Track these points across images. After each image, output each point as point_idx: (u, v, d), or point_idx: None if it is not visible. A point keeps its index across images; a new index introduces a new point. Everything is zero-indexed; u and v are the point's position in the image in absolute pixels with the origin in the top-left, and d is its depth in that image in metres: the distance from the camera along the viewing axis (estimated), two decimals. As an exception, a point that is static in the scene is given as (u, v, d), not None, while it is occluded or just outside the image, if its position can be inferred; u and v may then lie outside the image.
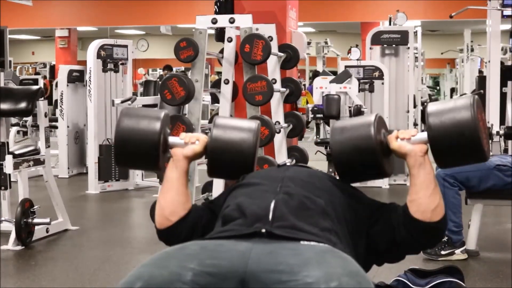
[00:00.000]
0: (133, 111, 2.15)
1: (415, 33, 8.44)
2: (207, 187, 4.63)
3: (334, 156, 2.05)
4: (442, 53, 16.95)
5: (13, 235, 4.45)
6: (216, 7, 4.86)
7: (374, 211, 2.03)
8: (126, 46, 7.45)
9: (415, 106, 7.89)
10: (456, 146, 1.91)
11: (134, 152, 2.08)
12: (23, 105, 4.64)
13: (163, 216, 2.07)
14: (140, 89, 12.70)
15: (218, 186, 4.38)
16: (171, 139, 2.13)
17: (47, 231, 4.76)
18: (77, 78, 8.19)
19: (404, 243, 1.98)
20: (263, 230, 1.78)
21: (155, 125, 2.06)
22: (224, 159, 2.10)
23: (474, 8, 5.81)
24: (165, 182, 2.10)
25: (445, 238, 4.17)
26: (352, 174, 2.09)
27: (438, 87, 25.17)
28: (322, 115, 7.31)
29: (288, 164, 2.20)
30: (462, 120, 1.90)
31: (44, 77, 15.55)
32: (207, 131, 4.68)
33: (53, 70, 15.72)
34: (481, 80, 8.03)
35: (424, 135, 1.97)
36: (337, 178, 2.14)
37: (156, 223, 2.10)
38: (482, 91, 7.97)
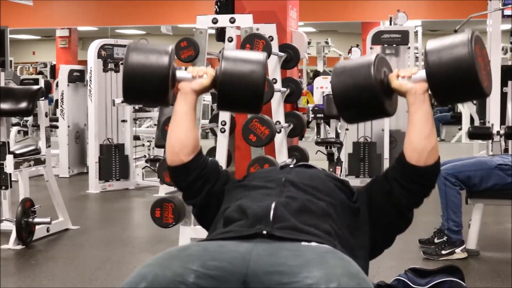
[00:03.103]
0: (141, 45, 2.13)
1: (416, 33, 8.45)
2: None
3: (334, 95, 2.05)
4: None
5: (13, 235, 4.45)
6: (216, 7, 4.86)
7: (369, 189, 2.05)
8: (126, 46, 7.44)
9: (415, 106, 7.87)
10: (453, 81, 1.92)
11: (143, 86, 2.06)
12: (23, 105, 4.64)
13: (173, 153, 2.08)
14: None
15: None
16: (179, 73, 2.12)
17: (47, 231, 4.77)
18: (77, 78, 8.19)
19: (401, 200, 1.99)
20: (264, 232, 1.78)
21: (163, 59, 2.05)
22: (233, 91, 2.08)
23: (476, 15, 5.81)
24: (174, 117, 2.09)
25: (445, 238, 4.18)
26: (353, 112, 2.09)
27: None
28: (322, 115, 7.32)
29: (291, 166, 2.20)
30: (459, 55, 1.90)
31: (45, 77, 15.57)
32: (207, 131, 4.69)
33: (53, 70, 15.72)
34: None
35: (424, 72, 1.98)
36: (340, 178, 2.14)
37: (167, 160, 2.10)
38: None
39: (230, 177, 2.16)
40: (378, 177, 2.07)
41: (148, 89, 2.06)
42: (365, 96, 2.00)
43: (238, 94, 2.08)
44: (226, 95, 2.09)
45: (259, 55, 2.12)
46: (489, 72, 1.98)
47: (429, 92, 1.99)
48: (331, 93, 2.08)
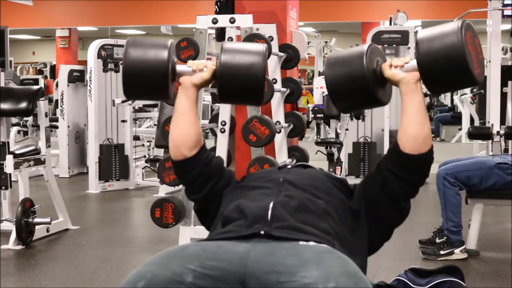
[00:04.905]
0: (139, 41, 2.12)
1: (416, 33, 8.43)
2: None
3: (329, 87, 2.06)
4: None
5: (13, 235, 4.45)
6: (216, 7, 4.86)
7: (364, 185, 2.06)
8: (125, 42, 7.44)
9: (415, 106, 7.87)
10: (443, 69, 1.92)
11: (143, 82, 2.06)
12: (23, 105, 4.65)
13: (175, 147, 2.09)
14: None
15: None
16: (179, 67, 2.12)
17: (47, 231, 4.77)
18: (77, 78, 8.19)
19: (396, 190, 2.00)
20: (262, 232, 1.78)
21: (162, 54, 2.05)
22: (234, 83, 2.08)
23: (475, 11, 5.81)
24: (175, 112, 2.10)
25: (444, 238, 4.18)
26: (347, 103, 2.10)
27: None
28: (322, 115, 7.32)
29: (289, 166, 2.20)
30: (449, 43, 1.91)
31: (45, 77, 15.57)
32: (207, 131, 4.69)
33: (53, 70, 15.72)
34: (482, 80, 8.04)
35: (415, 61, 1.99)
36: (338, 177, 2.14)
37: (171, 154, 2.11)
38: (482, 91, 7.98)
39: (232, 178, 2.16)
40: (372, 170, 2.09)
41: (149, 83, 2.06)
42: (358, 86, 2.01)
43: (238, 86, 2.08)
44: (226, 88, 2.09)
45: (258, 47, 2.12)
46: (481, 60, 1.98)
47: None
48: (325, 84, 2.09)
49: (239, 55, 2.08)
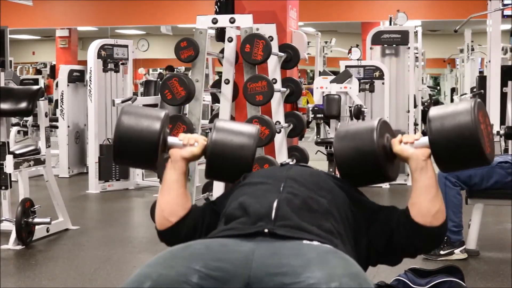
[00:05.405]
0: (134, 109, 2.15)
1: (416, 33, 8.44)
2: (208, 187, 4.63)
3: (338, 161, 2.07)
4: (444, 60, 16.94)
5: (13, 235, 4.45)
6: (216, 7, 4.86)
7: (373, 212, 2.03)
8: (126, 46, 7.46)
9: (415, 106, 7.89)
10: (456, 150, 1.91)
11: (133, 151, 2.08)
12: (23, 105, 4.64)
13: (162, 217, 2.08)
14: (141, 89, 12.70)
15: (219, 185, 4.38)
16: (170, 140, 2.13)
17: (47, 231, 4.77)
18: (77, 78, 8.19)
19: (401, 245, 1.98)
20: (266, 230, 1.78)
21: (155, 125, 2.06)
22: (222, 163, 2.11)
23: (476, 15, 5.81)
24: (164, 184, 2.10)
25: (445, 238, 4.18)
26: (356, 178, 2.09)
27: (438, 87, 25.17)
28: (322, 115, 7.31)
29: (290, 163, 2.20)
30: (462, 123, 1.90)
31: (48, 77, 15.56)
32: (207, 131, 4.69)
33: (53, 70, 15.72)
34: (482, 80, 8.04)
35: (427, 138, 1.98)
36: (339, 177, 2.14)
37: (156, 224, 2.10)
38: (482, 91, 7.98)
39: (214, 204, 2.13)
40: (395, 212, 2.03)
41: (138, 153, 2.08)
42: (368, 162, 2.01)
43: (226, 166, 2.11)
44: (214, 166, 2.13)
45: (251, 129, 2.15)
46: (491, 140, 1.98)
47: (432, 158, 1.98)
48: (335, 156, 2.09)
49: (231, 136, 2.11)
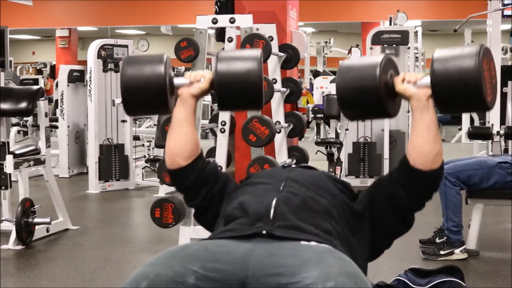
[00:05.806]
0: (134, 58, 2.13)
1: (416, 33, 8.45)
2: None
3: (338, 94, 2.04)
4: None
5: (13, 235, 4.45)
6: (216, 7, 4.86)
7: (369, 201, 2.04)
8: (126, 46, 7.46)
9: (415, 106, 7.87)
10: (456, 92, 1.90)
11: (142, 98, 2.07)
12: (23, 105, 4.65)
13: (171, 157, 2.09)
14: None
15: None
16: (177, 80, 2.12)
17: (47, 231, 4.77)
18: (77, 78, 8.20)
19: (403, 200, 1.98)
20: (264, 232, 1.78)
21: (159, 69, 2.05)
22: (232, 91, 2.08)
23: (476, 15, 5.81)
24: (173, 123, 2.10)
25: (444, 238, 4.18)
26: (355, 112, 2.09)
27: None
28: (322, 115, 7.33)
29: (293, 165, 2.20)
30: (465, 67, 1.89)
31: (48, 77, 15.56)
32: (207, 131, 4.68)
33: (53, 70, 15.72)
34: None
35: (429, 80, 1.97)
36: (341, 180, 2.15)
37: (166, 163, 2.11)
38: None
39: (229, 180, 2.16)
40: (382, 179, 2.06)
41: (148, 99, 2.07)
42: (368, 98, 1.99)
43: (237, 93, 2.08)
44: (225, 96, 2.09)
45: (253, 52, 2.12)
46: (494, 85, 1.96)
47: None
48: (335, 90, 2.08)
49: (235, 63, 2.08)
